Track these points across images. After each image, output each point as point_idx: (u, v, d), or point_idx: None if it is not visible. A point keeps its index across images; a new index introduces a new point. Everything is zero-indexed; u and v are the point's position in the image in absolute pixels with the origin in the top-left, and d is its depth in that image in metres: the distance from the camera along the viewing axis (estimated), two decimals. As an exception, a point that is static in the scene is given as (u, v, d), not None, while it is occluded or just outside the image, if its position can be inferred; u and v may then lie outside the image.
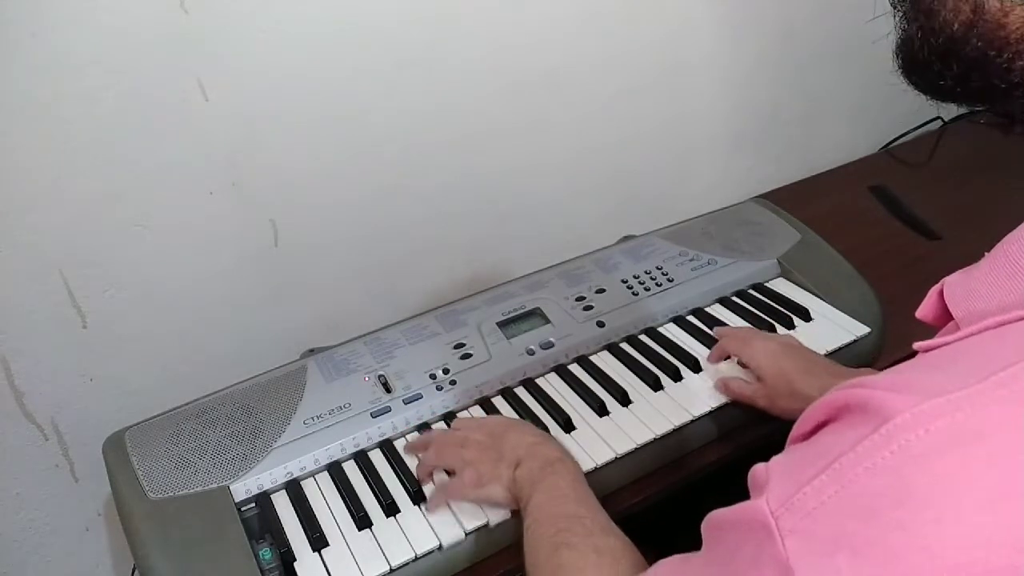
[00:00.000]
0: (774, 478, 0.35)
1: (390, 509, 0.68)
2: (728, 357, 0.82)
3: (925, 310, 0.41)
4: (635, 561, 0.54)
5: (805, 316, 0.89)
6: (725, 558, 0.37)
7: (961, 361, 0.33)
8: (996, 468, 0.29)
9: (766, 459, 0.38)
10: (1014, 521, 0.28)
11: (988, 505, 0.29)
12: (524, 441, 0.67)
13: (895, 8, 0.40)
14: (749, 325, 0.88)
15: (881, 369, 0.37)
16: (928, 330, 0.40)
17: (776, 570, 0.32)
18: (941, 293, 0.40)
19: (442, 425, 0.78)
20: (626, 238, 1.03)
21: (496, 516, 0.67)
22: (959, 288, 0.39)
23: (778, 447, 0.39)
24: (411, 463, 0.73)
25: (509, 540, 0.68)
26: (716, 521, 0.38)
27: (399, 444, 0.76)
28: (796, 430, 0.37)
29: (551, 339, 0.85)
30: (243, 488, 0.70)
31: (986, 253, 0.39)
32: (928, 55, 0.38)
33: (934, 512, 0.29)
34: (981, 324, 0.34)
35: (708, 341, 0.86)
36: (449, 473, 0.70)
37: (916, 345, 0.37)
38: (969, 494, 0.29)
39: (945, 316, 0.39)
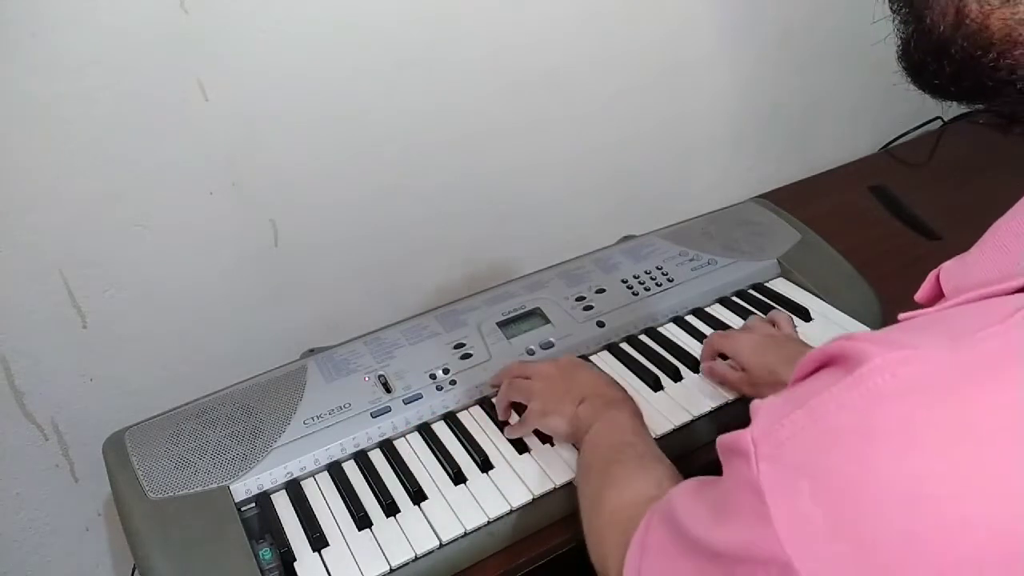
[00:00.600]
0: (762, 412, 0.37)
1: (390, 509, 0.68)
2: (723, 355, 0.82)
3: (923, 292, 0.44)
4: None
5: (805, 316, 0.89)
6: (721, 480, 0.40)
7: (938, 325, 0.36)
8: (953, 415, 0.31)
9: None
10: (965, 463, 0.31)
11: (943, 447, 0.31)
12: (591, 381, 0.72)
13: (893, 12, 0.42)
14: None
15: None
16: None
17: (750, 491, 0.35)
18: (939, 277, 0.42)
19: (442, 425, 0.78)
20: (626, 238, 1.03)
21: (495, 513, 0.67)
22: (953, 270, 0.41)
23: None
24: (412, 463, 0.73)
25: (509, 540, 0.68)
26: (719, 445, 0.41)
27: (399, 444, 0.76)
28: (794, 375, 0.39)
29: (551, 339, 0.85)
30: (243, 488, 0.70)
31: None
32: (923, 56, 0.40)
33: (891, 448, 0.31)
34: (963, 296, 0.37)
35: (708, 341, 0.86)
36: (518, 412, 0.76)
37: (901, 316, 0.39)
38: (925, 435, 0.31)
39: (940, 298, 0.41)
